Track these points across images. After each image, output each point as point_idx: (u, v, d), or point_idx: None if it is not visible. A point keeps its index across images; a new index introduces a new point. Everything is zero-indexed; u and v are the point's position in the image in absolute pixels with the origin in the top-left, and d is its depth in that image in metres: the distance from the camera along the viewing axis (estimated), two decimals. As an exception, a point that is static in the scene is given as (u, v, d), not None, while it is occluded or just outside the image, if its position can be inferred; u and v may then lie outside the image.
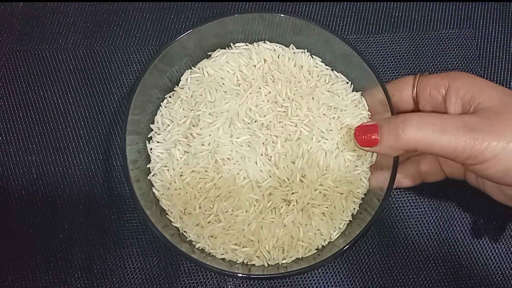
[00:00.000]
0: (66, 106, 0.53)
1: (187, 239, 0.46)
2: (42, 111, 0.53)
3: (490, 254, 0.50)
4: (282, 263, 0.46)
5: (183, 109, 0.49)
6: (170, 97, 0.51)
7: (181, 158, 0.48)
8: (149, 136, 0.49)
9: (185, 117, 0.49)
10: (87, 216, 0.50)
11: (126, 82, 0.54)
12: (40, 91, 0.53)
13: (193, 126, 0.48)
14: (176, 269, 0.49)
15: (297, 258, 0.46)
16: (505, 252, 0.50)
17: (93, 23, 0.56)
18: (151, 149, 0.48)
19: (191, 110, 0.49)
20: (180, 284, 0.48)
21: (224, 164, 0.47)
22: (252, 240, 0.46)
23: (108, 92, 0.54)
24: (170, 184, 0.47)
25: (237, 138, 0.47)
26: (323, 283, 0.49)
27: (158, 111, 0.50)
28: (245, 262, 0.46)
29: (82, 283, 0.48)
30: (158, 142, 0.49)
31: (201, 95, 0.50)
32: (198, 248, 0.46)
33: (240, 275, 0.43)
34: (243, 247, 0.46)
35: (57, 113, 0.53)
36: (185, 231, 0.46)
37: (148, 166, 0.48)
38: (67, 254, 0.48)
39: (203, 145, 0.47)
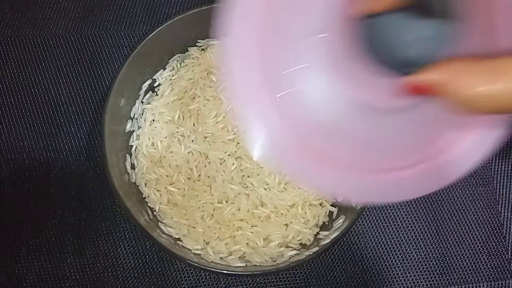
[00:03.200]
0: (57, 91, 0.49)
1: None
2: (33, 96, 0.49)
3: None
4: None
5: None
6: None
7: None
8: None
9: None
10: (79, 201, 0.46)
11: (117, 67, 0.50)
12: (31, 77, 0.50)
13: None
14: (169, 252, 0.46)
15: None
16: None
17: (84, 8, 0.52)
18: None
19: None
20: (173, 268, 0.45)
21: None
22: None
23: (99, 77, 0.50)
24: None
25: None
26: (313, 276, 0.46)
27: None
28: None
29: (75, 268, 0.45)
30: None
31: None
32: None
33: (216, 270, 0.40)
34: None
35: (48, 98, 0.49)
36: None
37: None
38: (59, 240, 0.45)
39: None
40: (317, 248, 0.41)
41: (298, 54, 0.28)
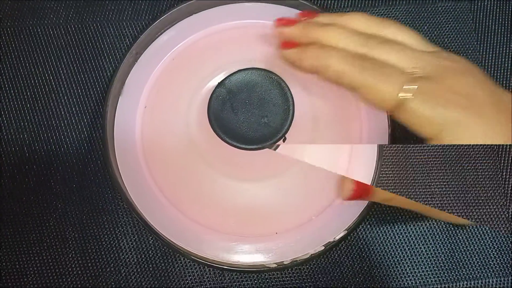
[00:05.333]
0: (57, 82, 0.48)
1: None
2: (33, 88, 0.47)
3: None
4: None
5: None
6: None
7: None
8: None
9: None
10: (81, 195, 0.45)
11: (119, 57, 0.49)
12: (31, 68, 0.48)
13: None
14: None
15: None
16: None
17: (85, -3, 0.51)
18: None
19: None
20: (177, 263, 0.44)
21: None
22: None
23: (101, 68, 0.48)
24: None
25: None
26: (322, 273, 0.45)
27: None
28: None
29: (77, 263, 0.43)
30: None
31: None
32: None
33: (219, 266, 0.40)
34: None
35: (49, 90, 0.48)
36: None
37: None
38: (60, 234, 0.44)
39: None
40: (323, 248, 0.41)
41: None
